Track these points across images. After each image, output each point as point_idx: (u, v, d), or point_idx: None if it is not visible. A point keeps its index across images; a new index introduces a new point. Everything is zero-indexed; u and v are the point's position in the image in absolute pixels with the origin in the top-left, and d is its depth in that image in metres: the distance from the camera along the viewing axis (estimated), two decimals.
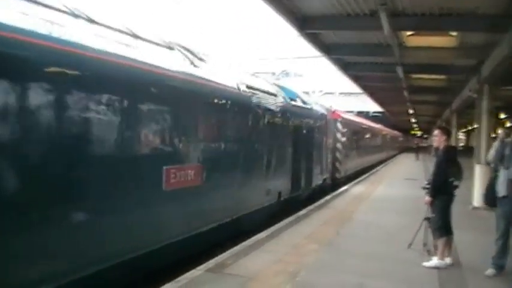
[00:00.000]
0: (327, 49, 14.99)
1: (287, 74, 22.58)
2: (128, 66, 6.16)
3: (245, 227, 9.81)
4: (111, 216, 5.89)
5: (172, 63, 7.31)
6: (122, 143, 6.09)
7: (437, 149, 7.93)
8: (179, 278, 6.50)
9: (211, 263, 7.24)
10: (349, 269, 7.28)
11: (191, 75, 7.69)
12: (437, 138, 7.77)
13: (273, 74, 20.80)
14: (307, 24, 11.98)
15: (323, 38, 14.14)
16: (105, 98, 5.66)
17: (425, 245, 7.87)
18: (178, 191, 7.13)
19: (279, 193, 12.04)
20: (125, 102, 6.05)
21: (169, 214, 7.08)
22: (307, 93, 21.37)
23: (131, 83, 6.20)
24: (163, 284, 6.28)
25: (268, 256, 7.79)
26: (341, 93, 38.21)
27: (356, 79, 21.87)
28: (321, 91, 32.90)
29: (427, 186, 7.64)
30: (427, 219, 7.78)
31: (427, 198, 7.55)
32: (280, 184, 12.12)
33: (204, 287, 6.21)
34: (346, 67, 18.41)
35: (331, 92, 36.55)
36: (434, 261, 7.44)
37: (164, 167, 6.79)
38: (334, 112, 20.94)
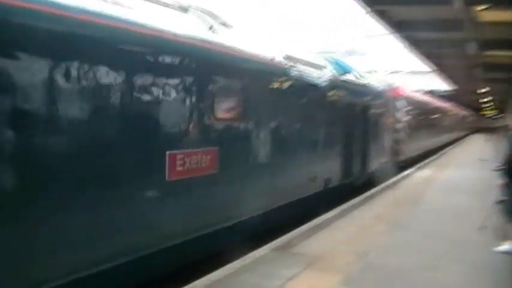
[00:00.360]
0: (396, 26, 14.59)
1: (351, 53, 22.12)
2: (114, 28, 5.06)
3: (276, 223, 8.18)
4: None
5: (182, 26, 6.22)
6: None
7: (510, 129, 7.59)
8: (246, 256, 6.58)
9: (277, 242, 7.30)
10: (420, 250, 7.16)
11: (207, 41, 6.53)
12: (510, 119, 7.45)
13: (337, 52, 20.22)
14: (376, 0, 11.68)
15: (392, 15, 13.76)
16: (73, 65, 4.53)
17: (497, 228, 7.60)
18: (185, 181, 6.00)
19: (326, 180, 10.70)
20: (104, 72, 4.86)
21: (174, 208, 5.97)
22: (374, 71, 20.60)
23: (118, 47, 5.07)
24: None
25: (336, 236, 7.81)
26: (408, 72, 37.13)
27: (426, 57, 21.19)
28: (387, 70, 32.13)
29: (500, 168, 7.33)
30: (499, 202, 7.49)
31: (500, 180, 7.27)
32: (327, 170, 10.77)
33: (270, 265, 6.28)
34: (415, 44, 17.87)
35: (398, 70, 35.58)
36: (506, 246, 7.17)
37: (167, 152, 5.71)
38: (395, 89, 18.97)
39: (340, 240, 7.56)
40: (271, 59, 8.28)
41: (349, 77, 12.40)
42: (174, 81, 5.87)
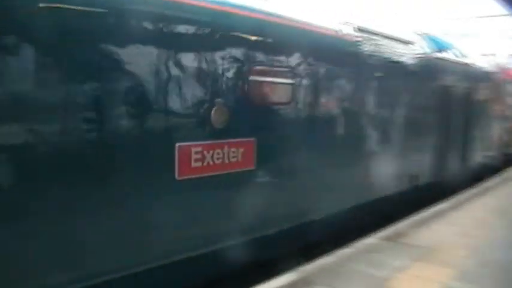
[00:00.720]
0: None
1: (463, 35, 20.80)
2: None
3: (334, 230, 6.75)
4: None
5: None
6: None
7: None
8: (354, 244, 6.53)
9: (388, 231, 7.17)
10: None
11: (244, 8, 5.49)
12: None
13: (447, 35, 18.77)
14: None
15: None
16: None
17: None
18: (204, 180, 4.96)
19: (413, 177, 9.14)
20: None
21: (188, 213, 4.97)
22: (492, 55, 19.00)
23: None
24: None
25: (450, 228, 7.51)
26: None
27: None
28: (506, 53, 29.97)
29: None
30: None
31: None
32: (414, 165, 9.16)
33: (380, 254, 6.17)
34: None
35: None
36: None
37: (178, 144, 4.68)
38: (508, 71, 16.15)
39: (453, 232, 7.24)
40: (336, 31, 6.94)
41: (446, 55, 10.73)
42: (192, 55, 4.81)
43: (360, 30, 7.45)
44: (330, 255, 6.09)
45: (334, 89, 6.87)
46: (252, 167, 5.44)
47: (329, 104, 6.80)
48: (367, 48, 7.45)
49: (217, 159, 5.02)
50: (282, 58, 5.87)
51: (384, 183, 7.95)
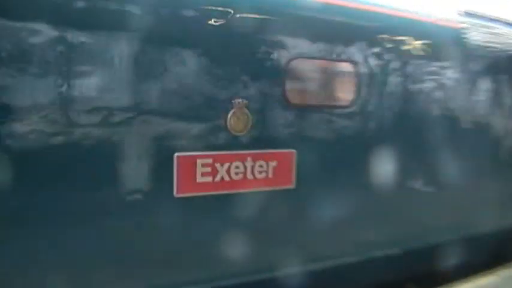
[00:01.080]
0: None
1: None
2: None
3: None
4: None
5: None
6: None
7: None
8: (499, 272, 5.70)
9: None
10: None
11: None
12: None
13: None
14: None
15: None
16: None
17: None
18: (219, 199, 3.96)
19: None
20: None
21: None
22: None
23: None
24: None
25: None
26: None
27: None
28: None
29: None
30: None
31: None
32: None
33: None
34: None
35: None
36: None
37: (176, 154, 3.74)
38: None
39: None
40: (431, 16, 5.43)
41: None
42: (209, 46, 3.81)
43: (468, 15, 5.92)
44: (491, 275, 5.34)
45: (423, 88, 5.24)
46: (292, 186, 4.26)
47: (415, 108, 5.21)
48: (476, 37, 5.86)
49: (236, 174, 3.98)
50: (340, 48, 4.54)
51: (474, 218, 5.91)
